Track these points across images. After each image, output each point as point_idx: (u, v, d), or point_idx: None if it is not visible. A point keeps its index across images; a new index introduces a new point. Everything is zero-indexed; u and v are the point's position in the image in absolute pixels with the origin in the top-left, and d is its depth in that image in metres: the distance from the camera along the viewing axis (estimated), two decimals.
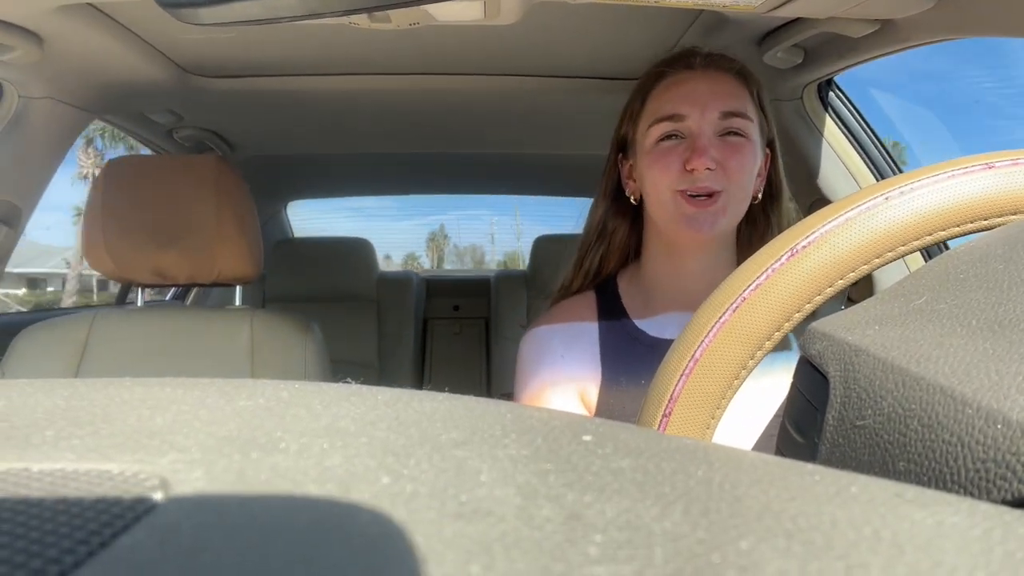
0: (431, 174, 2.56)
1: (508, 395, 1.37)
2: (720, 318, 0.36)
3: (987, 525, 0.15)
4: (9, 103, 1.25)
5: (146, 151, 1.93)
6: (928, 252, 1.14)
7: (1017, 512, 0.16)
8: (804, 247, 0.35)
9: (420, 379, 2.70)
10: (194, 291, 2.43)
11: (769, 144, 0.92)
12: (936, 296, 0.30)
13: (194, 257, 1.29)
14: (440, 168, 2.44)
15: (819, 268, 0.35)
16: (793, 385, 0.36)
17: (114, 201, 1.28)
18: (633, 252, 0.98)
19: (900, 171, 1.33)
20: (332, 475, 0.17)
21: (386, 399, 0.23)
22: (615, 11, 1.11)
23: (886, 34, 0.99)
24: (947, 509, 0.16)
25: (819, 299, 0.35)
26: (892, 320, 0.30)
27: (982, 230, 0.34)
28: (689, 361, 0.36)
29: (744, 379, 0.36)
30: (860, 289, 1.21)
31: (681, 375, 0.37)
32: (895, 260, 0.35)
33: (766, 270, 0.36)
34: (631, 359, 0.87)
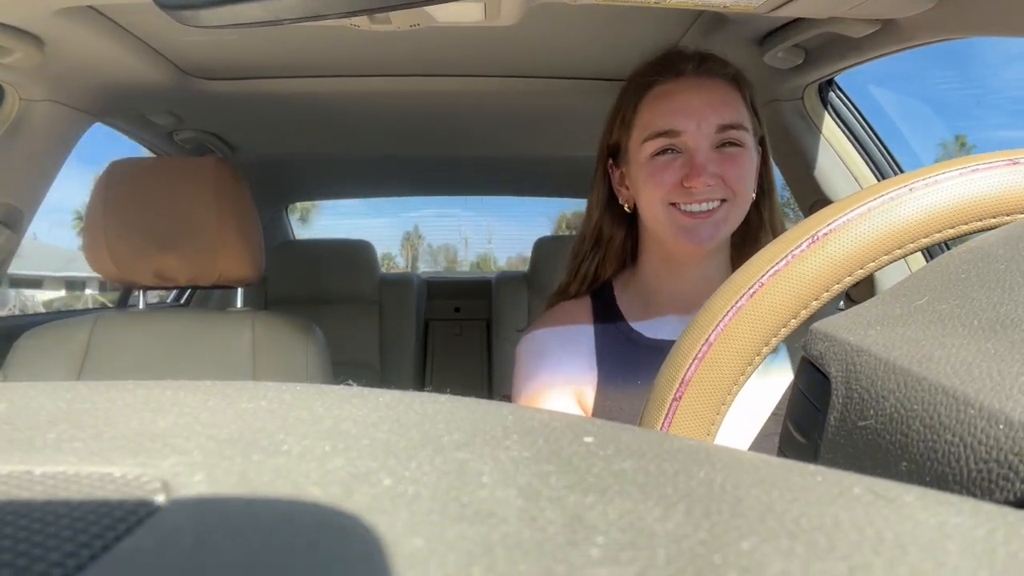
0: (432, 175, 2.56)
1: (509, 397, 1.37)
2: (736, 303, 0.36)
3: (990, 526, 0.15)
4: (10, 106, 1.25)
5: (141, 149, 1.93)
6: (929, 252, 1.14)
7: (1020, 512, 0.16)
8: (826, 234, 0.35)
9: (421, 381, 2.70)
10: (196, 293, 2.43)
11: (760, 142, 0.91)
12: (938, 296, 0.30)
13: (195, 259, 1.29)
14: (441, 169, 2.44)
15: (840, 256, 0.35)
16: (795, 385, 0.36)
17: (115, 203, 1.28)
18: (630, 256, 0.97)
19: (901, 171, 1.33)
20: (334, 477, 0.17)
21: (387, 401, 0.23)
22: (615, 12, 1.11)
23: (887, 34, 0.99)
24: (950, 510, 0.16)
25: (837, 288, 0.35)
26: (894, 320, 0.30)
27: (983, 230, 0.34)
28: (703, 345, 0.36)
29: (758, 365, 0.36)
30: (861, 289, 1.21)
31: (694, 359, 0.36)
32: (916, 251, 0.35)
33: (785, 256, 0.36)
34: (627, 361, 0.87)
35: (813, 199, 1.37)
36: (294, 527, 0.15)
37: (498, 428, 0.21)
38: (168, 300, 2.54)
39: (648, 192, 0.86)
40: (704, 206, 0.83)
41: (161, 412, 0.22)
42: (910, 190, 0.35)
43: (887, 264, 0.35)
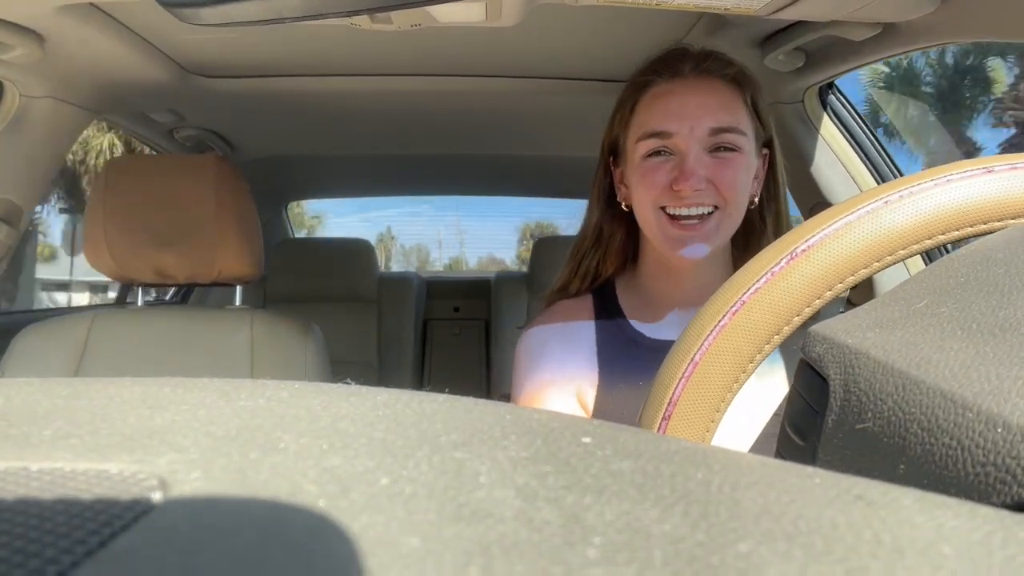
0: (432, 175, 2.56)
1: (508, 396, 1.37)
2: (719, 322, 0.36)
3: (987, 529, 0.15)
4: (10, 102, 1.25)
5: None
6: (929, 256, 1.14)
7: (1018, 516, 0.16)
8: (803, 251, 0.35)
9: (420, 380, 2.70)
10: (194, 291, 2.43)
11: (767, 144, 0.90)
12: (937, 300, 0.30)
13: (194, 257, 1.29)
14: (441, 169, 2.44)
15: (818, 272, 0.35)
16: (793, 388, 0.36)
17: (115, 201, 1.28)
18: (631, 255, 0.97)
19: (900, 174, 1.33)
20: (331, 476, 0.17)
21: (385, 400, 0.23)
22: (617, 13, 1.11)
23: (888, 37, 0.99)
24: (947, 513, 0.16)
25: (818, 303, 0.35)
26: (892, 323, 0.30)
27: (982, 234, 0.34)
28: (688, 365, 0.36)
29: (744, 382, 0.36)
30: (860, 292, 1.21)
31: (680, 378, 0.37)
32: (895, 264, 0.35)
33: (765, 274, 0.36)
34: (628, 361, 0.86)
35: (813, 202, 1.37)
36: (291, 525, 0.15)
37: (496, 428, 0.21)
38: (167, 298, 2.54)
39: (640, 194, 0.85)
40: (694, 210, 0.82)
41: (158, 409, 0.22)
42: (885, 203, 0.35)
43: (867, 276, 0.35)
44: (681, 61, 0.86)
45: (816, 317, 0.37)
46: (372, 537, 0.14)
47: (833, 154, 1.33)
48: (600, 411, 0.85)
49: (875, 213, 0.35)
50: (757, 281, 0.36)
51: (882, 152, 1.35)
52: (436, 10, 0.92)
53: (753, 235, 0.91)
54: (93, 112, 1.41)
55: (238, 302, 1.44)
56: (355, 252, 2.57)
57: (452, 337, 2.87)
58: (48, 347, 1.30)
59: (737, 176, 0.83)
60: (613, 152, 0.94)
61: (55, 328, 1.32)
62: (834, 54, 1.13)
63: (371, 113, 1.72)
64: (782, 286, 0.35)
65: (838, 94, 1.33)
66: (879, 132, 1.37)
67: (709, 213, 0.82)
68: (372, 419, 0.21)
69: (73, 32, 1.07)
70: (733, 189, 0.82)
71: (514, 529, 0.15)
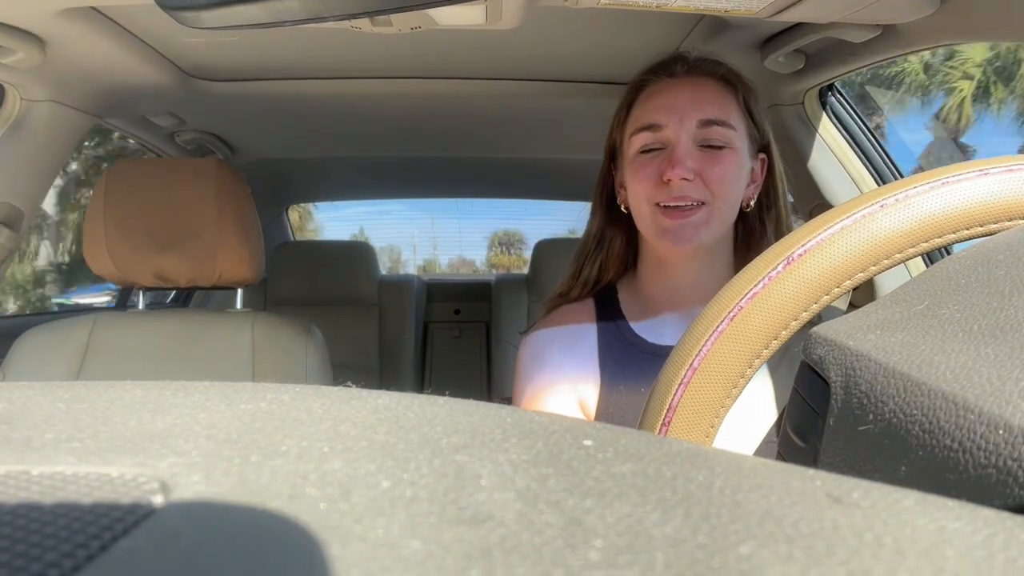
0: (432, 178, 2.56)
1: (508, 399, 1.37)
2: (717, 327, 0.36)
3: (989, 531, 0.15)
4: (11, 106, 1.25)
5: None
6: (930, 257, 1.14)
7: (1019, 518, 0.16)
8: (800, 255, 0.35)
9: (420, 383, 2.70)
10: (195, 294, 2.43)
11: (764, 149, 0.90)
12: (938, 301, 0.30)
13: (195, 260, 1.29)
14: (441, 172, 2.44)
15: (815, 277, 0.35)
16: (794, 390, 0.36)
17: (116, 204, 1.29)
18: (632, 260, 0.97)
19: (901, 175, 1.33)
20: (332, 479, 0.17)
21: (386, 403, 0.23)
22: (617, 16, 1.11)
23: (888, 39, 0.99)
24: (949, 515, 0.16)
25: (816, 307, 0.36)
26: (894, 325, 0.30)
27: (977, 236, 0.34)
28: (687, 371, 0.36)
29: (742, 388, 0.36)
30: (862, 294, 1.21)
31: (679, 385, 0.37)
32: (892, 267, 0.35)
33: (762, 279, 0.36)
34: (630, 365, 0.86)
35: (813, 203, 1.37)
36: (292, 529, 0.15)
37: (497, 431, 0.21)
38: (168, 301, 2.54)
39: (633, 190, 0.86)
40: (683, 204, 0.82)
41: (160, 412, 0.22)
42: (881, 206, 0.35)
43: (864, 280, 0.35)
44: (675, 63, 0.88)
45: (817, 319, 0.37)
46: (373, 540, 0.14)
47: (833, 156, 1.33)
48: (602, 415, 0.85)
49: (871, 217, 0.35)
50: (754, 286, 0.36)
51: (882, 153, 1.35)
52: (436, 13, 0.92)
53: (753, 240, 0.91)
54: (94, 116, 1.42)
55: (239, 305, 1.44)
56: (355, 255, 2.57)
57: (453, 340, 2.87)
58: (49, 350, 1.30)
59: (726, 171, 0.83)
60: (613, 157, 0.95)
61: (56, 331, 1.32)
62: (834, 56, 1.13)
63: (371, 116, 1.73)
64: (779, 291, 0.35)
65: (838, 96, 1.33)
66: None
67: (695, 206, 0.83)
68: (373, 422, 0.21)
69: (74, 36, 1.07)
70: (722, 183, 0.83)
71: (515, 532, 0.15)
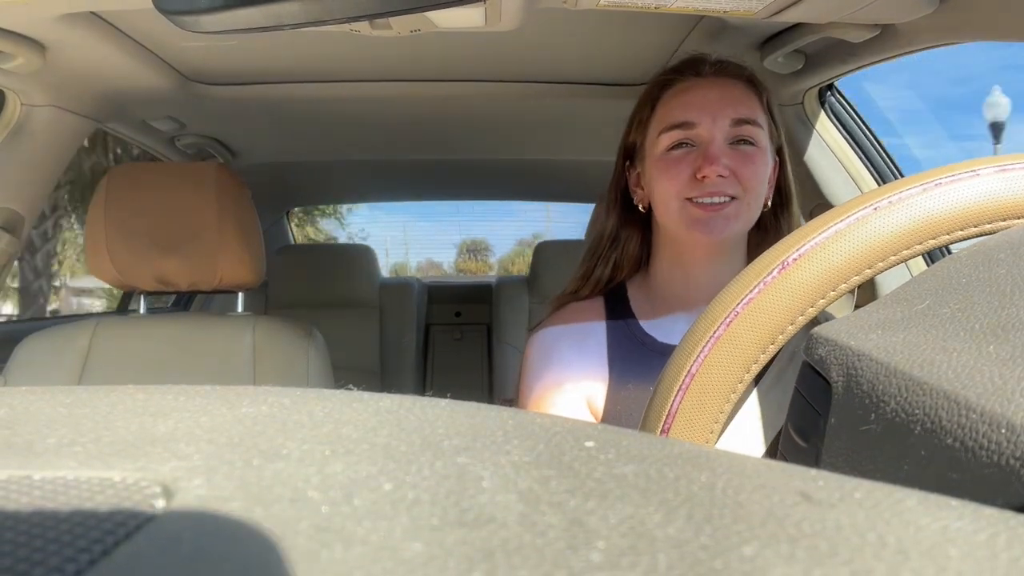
0: (433, 180, 2.56)
1: (510, 401, 1.37)
2: (713, 333, 0.36)
3: (992, 530, 0.15)
4: (12, 111, 1.25)
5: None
6: (931, 257, 1.14)
7: (1022, 517, 0.16)
8: (794, 260, 0.36)
9: (422, 385, 2.70)
10: (196, 298, 2.43)
11: (778, 150, 0.92)
12: (939, 300, 0.30)
13: (196, 264, 1.29)
14: (441, 174, 2.44)
15: (810, 281, 0.35)
16: (796, 390, 0.36)
17: (117, 208, 1.29)
18: (645, 259, 0.97)
19: (901, 175, 1.33)
20: (334, 482, 0.17)
21: (388, 405, 0.23)
22: (616, 17, 1.11)
23: (887, 39, 0.99)
24: (951, 514, 0.16)
25: (812, 311, 0.36)
26: (895, 325, 0.30)
27: (971, 237, 0.34)
28: (685, 376, 0.37)
29: (741, 392, 0.36)
30: (863, 294, 1.21)
31: (677, 391, 0.37)
32: (887, 270, 0.35)
33: (757, 284, 0.36)
34: (639, 363, 0.87)
35: (814, 204, 1.37)
36: (294, 532, 0.15)
37: (498, 432, 0.21)
38: (169, 305, 2.54)
39: (663, 186, 0.86)
40: (716, 199, 0.84)
41: (161, 416, 0.22)
42: (874, 209, 0.35)
43: (858, 284, 0.35)
44: (700, 63, 0.90)
45: (818, 321, 0.37)
46: (375, 543, 0.14)
47: (833, 155, 1.33)
48: (610, 413, 0.85)
49: (864, 220, 0.35)
50: (749, 292, 0.36)
51: (883, 153, 1.35)
52: (436, 15, 0.92)
53: (767, 239, 0.92)
54: (94, 120, 1.42)
55: (240, 308, 1.44)
56: (356, 258, 2.57)
57: (454, 342, 2.87)
58: (51, 355, 1.30)
59: (757, 169, 0.85)
60: (629, 156, 0.95)
61: (58, 336, 1.32)
62: (833, 56, 1.13)
63: (372, 119, 1.73)
64: (774, 296, 0.35)
65: (838, 95, 1.33)
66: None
67: (727, 201, 0.84)
68: (374, 425, 0.21)
69: (74, 41, 1.07)
70: (754, 179, 0.85)
71: (517, 534, 0.15)
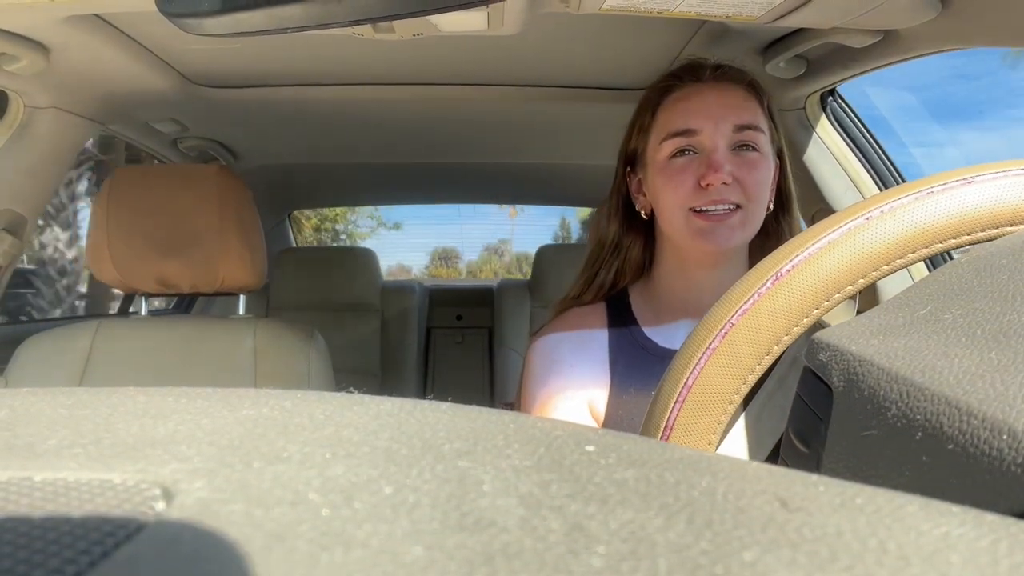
0: (435, 184, 2.57)
1: (511, 405, 1.36)
2: (710, 344, 0.36)
3: (993, 536, 0.15)
4: (15, 113, 1.26)
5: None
6: (932, 262, 1.14)
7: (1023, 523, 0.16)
8: (788, 271, 0.36)
9: (423, 388, 2.70)
10: (198, 300, 2.44)
11: (778, 154, 0.92)
12: (940, 306, 0.30)
13: (198, 266, 1.29)
14: (444, 178, 2.44)
15: (804, 291, 0.35)
16: (797, 395, 0.36)
17: (119, 210, 1.29)
18: (647, 265, 0.97)
19: (903, 180, 1.33)
20: (334, 485, 0.17)
21: (389, 408, 0.23)
22: (618, 22, 1.11)
23: (889, 44, 0.99)
24: (953, 520, 0.16)
25: (807, 322, 0.36)
26: (896, 330, 0.30)
27: (965, 245, 0.34)
28: (682, 388, 0.37)
29: (738, 403, 0.36)
30: (865, 299, 1.21)
31: (675, 403, 0.37)
32: (881, 279, 0.35)
33: (752, 295, 0.36)
34: (641, 369, 0.86)
35: (815, 208, 1.37)
36: (294, 535, 0.15)
37: (499, 437, 0.21)
38: (170, 307, 2.54)
39: (667, 196, 0.86)
40: (720, 207, 0.83)
41: (162, 419, 0.22)
42: (867, 219, 0.35)
43: (853, 293, 0.35)
44: (699, 69, 0.89)
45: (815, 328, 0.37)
46: (376, 546, 0.14)
47: (835, 160, 1.33)
48: (611, 418, 0.85)
49: (857, 230, 0.35)
50: (744, 303, 0.36)
51: (884, 158, 1.35)
52: (438, 19, 0.92)
53: (769, 243, 0.92)
54: (97, 123, 1.42)
55: (241, 311, 1.44)
56: (358, 260, 2.58)
57: (455, 345, 2.87)
58: (52, 357, 1.30)
59: (760, 175, 0.85)
60: (630, 162, 0.95)
61: (59, 338, 1.32)
62: (835, 61, 1.13)
63: (374, 122, 1.73)
64: (769, 307, 0.35)
65: (840, 101, 1.34)
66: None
67: (732, 209, 0.84)
68: (375, 428, 0.21)
69: (77, 43, 1.08)
70: (757, 187, 0.84)
71: (518, 538, 0.14)
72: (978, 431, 0.22)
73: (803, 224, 0.96)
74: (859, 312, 0.37)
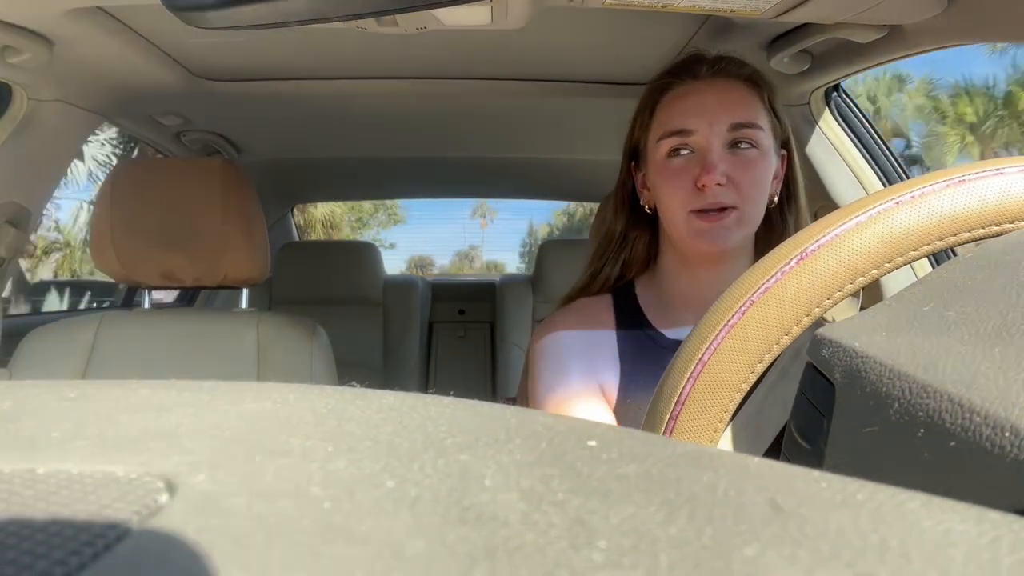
0: (438, 177, 2.56)
1: (513, 400, 1.36)
2: (728, 321, 0.36)
3: (995, 533, 0.15)
4: (19, 106, 1.26)
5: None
6: (936, 259, 1.13)
7: None
8: (813, 251, 0.35)
9: (425, 383, 2.70)
10: (200, 293, 2.44)
11: (784, 145, 0.91)
12: (943, 303, 0.30)
13: (201, 259, 1.29)
14: (446, 172, 2.44)
15: (828, 273, 0.35)
16: (799, 391, 0.35)
17: (122, 204, 1.29)
18: (652, 258, 0.97)
19: (907, 176, 1.33)
20: (337, 478, 0.17)
21: (391, 403, 0.23)
22: (622, 16, 1.11)
23: (894, 40, 0.99)
24: (954, 517, 0.16)
25: (828, 303, 0.35)
26: (899, 327, 0.30)
27: (991, 236, 0.34)
28: (696, 364, 0.36)
29: (752, 383, 0.36)
30: (868, 296, 1.20)
31: (688, 378, 0.36)
32: (905, 265, 0.35)
33: (775, 274, 0.36)
34: (650, 362, 0.86)
35: (818, 204, 1.37)
36: (296, 528, 0.15)
37: (501, 431, 0.21)
38: (173, 300, 2.55)
39: (667, 198, 0.86)
40: (717, 207, 0.83)
41: (165, 412, 0.22)
42: (897, 203, 0.34)
43: (876, 278, 0.35)
44: (697, 64, 0.88)
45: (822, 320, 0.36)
46: (377, 540, 0.14)
47: (839, 156, 1.33)
48: (620, 411, 0.85)
49: (886, 214, 0.34)
50: (766, 281, 0.36)
51: (888, 154, 1.34)
52: (442, 13, 0.92)
53: (774, 236, 0.91)
54: (100, 115, 1.42)
55: (244, 304, 1.44)
56: (360, 255, 2.58)
57: (457, 340, 2.87)
58: (56, 350, 1.30)
59: (756, 175, 0.84)
60: (634, 157, 0.95)
61: (62, 331, 1.32)
62: (840, 56, 1.12)
63: (377, 116, 1.73)
64: (791, 286, 0.35)
65: (844, 96, 1.33)
66: None
67: (726, 210, 0.83)
68: (377, 422, 0.21)
69: (81, 36, 1.08)
70: (752, 187, 0.84)
71: (519, 532, 0.15)
72: (980, 428, 0.22)
73: (809, 219, 0.95)
74: (862, 309, 0.37)
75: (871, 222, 0.35)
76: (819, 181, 1.34)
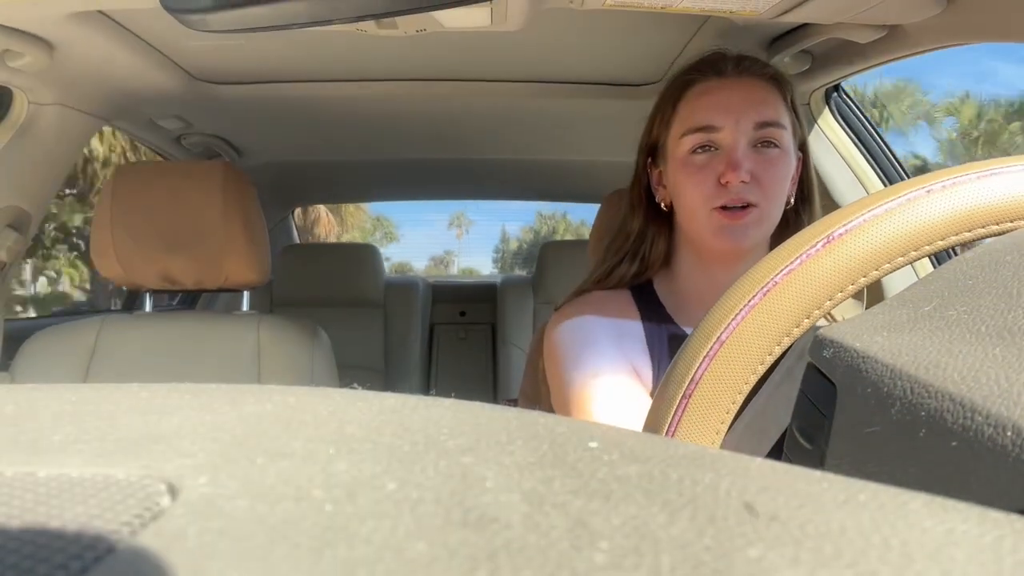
0: (438, 180, 2.57)
1: (514, 401, 1.36)
2: (749, 301, 0.35)
3: (998, 533, 0.15)
4: (19, 109, 1.26)
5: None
6: (937, 258, 1.13)
7: None
8: (840, 235, 0.35)
9: (426, 384, 2.70)
10: (201, 296, 2.44)
11: (801, 146, 0.91)
12: (945, 302, 0.30)
13: (202, 262, 1.30)
14: (447, 174, 2.45)
15: (854, 257, 0.34)
16: (801, 391, 0.35)
17: (123, 207, 1.29)
18: (668, 256, 0.96)
19: (907, 176, 1.33)
20: (338, 481, 0.17)
21: (392, 405, 0.23)
22: (622, 17, 1.11)
23: (894, 40, 0.99)
24: (956, 517, 0.16)
25: (852, 288, 0.35)
26: (900, 326, 0.30)
27: (1005, 232, 0.34)
28: (713, 343, 0.36)
29: (768, 365, 0.36)
30: (869, 296, 1.20)
31: (704, 357, 0.36)
32: (932, 253, 0.35)
33: (800, 255, 0.35)
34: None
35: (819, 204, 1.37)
36: (298, 531, 0.15)
37: (502, 433, 0.21)
38: (174, 303, 2.55)
39: (688, 192, 0.86)
40: (740, 204, 0.83)
41: (166, 414, 0.22)
42: (928, 192, 0.34)
43: (903, 266, 0.35)
44: (721, 62, 0.88)
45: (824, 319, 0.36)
46: (379, 542, 0.14)
47: (839, 156, 1.33)
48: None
49: (916, 202, 0.34)
50: (791, 262, 0.35)
51: (889, 154, 1.34)
52: (442, 15, 0.92)
53: (789, 234, 0.90)
54: (101, 119, 1.42)
55: (245, 307, 1.44)
56: (361, 257, 2.58)
57: (458, 341, 2.87)
58: (57, 353, 1.30)
59: (779, 173, 0.84)
60: (651, 154, 0.94)
61: (64, 334, 1.32)
62: (840, 56, 1.12)
63: (377, 118, 1.73)
64: (816, 269, 0.35)
65: (844, 96, 1.33)
66: None
67: (748, 207, 0.83)
68: (378, 424, 0.21)
69: (81, 40, 1.08)
70: (775, 184, 0.84)
71: (521, 534, 0.15)
72: (982, 428, 0.22)
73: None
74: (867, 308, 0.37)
75: (901, 209, 0.34)
76: (820, 181, 1.34)
